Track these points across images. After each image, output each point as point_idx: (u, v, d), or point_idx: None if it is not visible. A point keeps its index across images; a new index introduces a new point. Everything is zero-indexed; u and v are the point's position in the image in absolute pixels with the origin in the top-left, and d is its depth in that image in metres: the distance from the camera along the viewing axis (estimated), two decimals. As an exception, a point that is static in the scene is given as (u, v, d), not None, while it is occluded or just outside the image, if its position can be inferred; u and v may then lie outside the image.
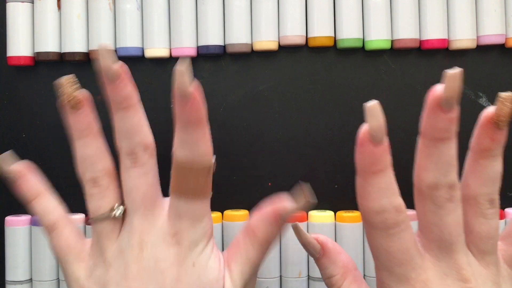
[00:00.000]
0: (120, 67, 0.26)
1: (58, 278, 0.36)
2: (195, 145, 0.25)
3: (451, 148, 0.24)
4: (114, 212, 0.27)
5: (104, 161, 0.27)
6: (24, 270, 0.36)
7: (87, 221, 0.36)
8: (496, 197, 0.25)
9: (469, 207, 0.25)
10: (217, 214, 0.36)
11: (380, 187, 0.24)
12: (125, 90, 0.26)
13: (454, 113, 0.23)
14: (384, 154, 0.24)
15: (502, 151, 0.25)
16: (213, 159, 0.26)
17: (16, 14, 0.36)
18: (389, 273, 0.25)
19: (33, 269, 0.36)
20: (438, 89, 0.23)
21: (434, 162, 0.24)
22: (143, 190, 0.26)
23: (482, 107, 0.36)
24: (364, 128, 0.23)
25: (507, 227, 0.27)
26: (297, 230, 0.28)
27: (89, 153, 0.27)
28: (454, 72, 0.22)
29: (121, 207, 0.27)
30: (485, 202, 0.25)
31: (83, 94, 0.27)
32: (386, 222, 0.24)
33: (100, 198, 0.27)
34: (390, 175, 0.24)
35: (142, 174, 0.26)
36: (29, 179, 0.29)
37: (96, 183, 0.27)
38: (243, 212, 0.36)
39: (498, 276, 0.25)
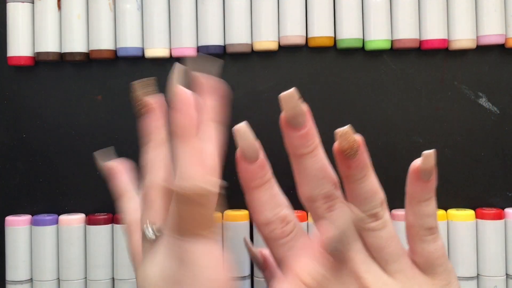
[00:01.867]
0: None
1: (58, 278, 0.36)
2: None
3: (316, 162, 0.25)
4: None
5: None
6: (24, 270, 0.36)
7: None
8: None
9: (409, 233, 0.27)
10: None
11: (262, 200, 0.25)
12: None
13: (305, 130, 0.25)
14: (259, 170, 0.25)
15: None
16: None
17: (16, 14, 0.36)
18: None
19: (33, 269, 0.36)
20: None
21: (304, 177, 0.25)
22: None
23: (482, 107, 0.36)
24: (237, 150, 0.25)
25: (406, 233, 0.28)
26: (246, 245, 0.29)
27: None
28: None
29: None
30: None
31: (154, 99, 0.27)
32: (274, 232, 0.25)
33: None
34: (271, 189, 0.26)
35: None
36: (120, 177, 0.29)
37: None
38: (243, 212, 0.36)
39: (408, 282, 0.26)
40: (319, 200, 0.25)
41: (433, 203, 0.27)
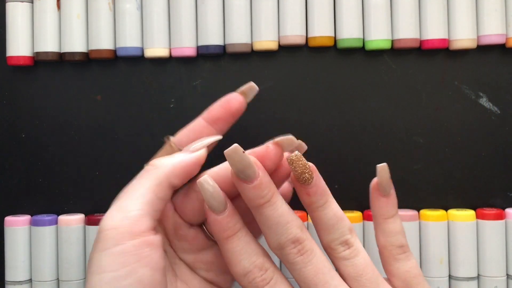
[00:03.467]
0: (312, 168, 0.26)
1: (58, 278, 0.36)
2: None
3: (276, 209, 0.25)
4: None
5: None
6: (24, 270, 0.36)
7: None
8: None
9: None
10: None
11: (236, 250, 0.26)
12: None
13: (257, 181, 0.25)
14: (229, 220, 0.25)
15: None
16: None
17: (16, 14, 0.36)
18: None
19: (33, 269, 0.36)
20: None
21: (268, 226, 0.25)
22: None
23: (483, 107, 0.36)
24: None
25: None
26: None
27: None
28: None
29: None
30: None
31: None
32: (254, 282, 0.25)
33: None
34: (243, 237, 0.26)
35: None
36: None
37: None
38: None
39: None
40: (288, 246, 0.25)
41: (398, 220, 0.28)
